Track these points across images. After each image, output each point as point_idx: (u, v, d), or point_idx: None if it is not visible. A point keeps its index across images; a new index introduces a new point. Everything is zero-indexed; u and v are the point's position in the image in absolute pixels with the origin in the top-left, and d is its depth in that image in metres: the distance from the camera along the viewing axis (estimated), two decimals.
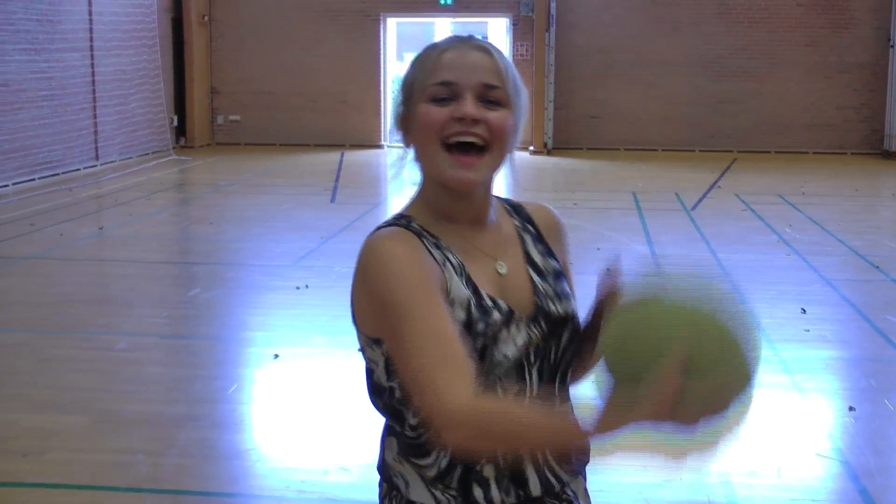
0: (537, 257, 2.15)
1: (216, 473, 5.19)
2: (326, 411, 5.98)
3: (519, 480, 2.07)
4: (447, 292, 2.01)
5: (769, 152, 21.32)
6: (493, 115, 2.00)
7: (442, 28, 29.47)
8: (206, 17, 22.01)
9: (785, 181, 16.89)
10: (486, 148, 2.01)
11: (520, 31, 21.40)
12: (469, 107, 1.99)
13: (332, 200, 14.68)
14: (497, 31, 22.70)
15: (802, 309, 8.28)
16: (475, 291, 2.05)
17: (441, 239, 2.08)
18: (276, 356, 6.94)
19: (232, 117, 22.52)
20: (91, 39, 17.79)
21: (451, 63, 2.03)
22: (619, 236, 11.43)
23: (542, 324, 2.07)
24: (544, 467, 2.11)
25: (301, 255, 10.44)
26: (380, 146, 22.17)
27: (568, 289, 2.16)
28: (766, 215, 13.15)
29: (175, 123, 21.43)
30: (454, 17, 22.40)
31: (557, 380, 2.13)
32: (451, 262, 2.05)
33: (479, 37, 2.12)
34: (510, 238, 2.16)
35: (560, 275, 2.17)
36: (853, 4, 20.99)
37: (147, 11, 19.68)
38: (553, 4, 20.93)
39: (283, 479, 5.06)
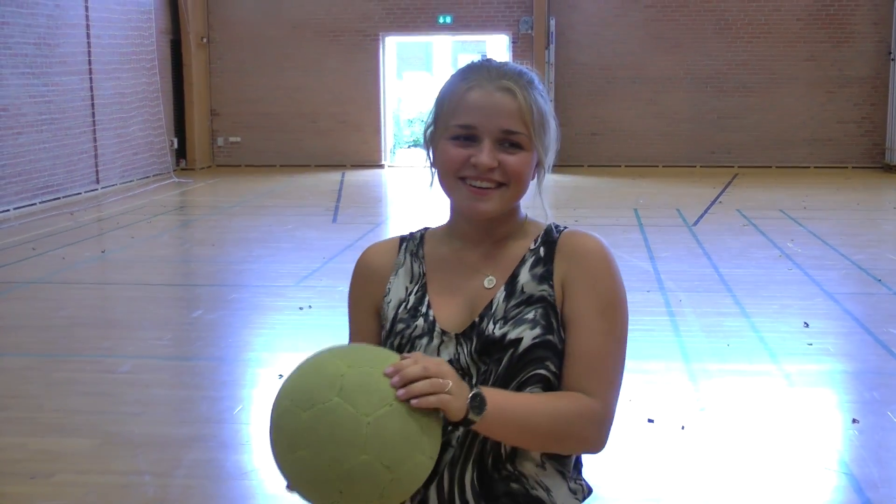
0: (524, 277, 2.12)
1: (222, 493, 5.20)
2: None
3: None
4: (385, 294, 2.22)
5: (770, 167, 21.36)
6: (511, 160, 2.07)
7: (441, 47, 29.60)
8: (205, 39, 22.08)
9: (786, 196, 16.92)
10: (502, 184, 2.08)
11: (519, 49, 21.45)
12: (485, 156, 2.05)
13: (334, 221, 14.71)
14: (497, 49, 22.76)
15: (805, 323, 8.29)
16: (420, 297, 2.18)
17: (427, 248, 2.25)
18: (281, 376, 6.95)
19: (232, 139, 22.57)
20: (90, 62, 17.85)
21: (475, 105, 2.07)
22: (621, 252, 11.45)
23: (475, 342, 2.08)
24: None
25: (304, 275, 10.46)
26: (380, 166, 22.21)
27: (536, 317, 2.07)
28: (767, 230, 13.17)
29: (175, 146, 21.48)
30: (453, 35, 22.47)
31: None
32: (412, 269, 2.23)
33: (512, 66, 2.14)
34: (514, 258, 2.17)
35: (537, 301, 2.09)
36: (853, 18, 21.04)
37: (145, 34, 19.75)
38: (552, 21, 21.00)
39: (290, 500, 5.06)
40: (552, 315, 2.08)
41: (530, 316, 2.07)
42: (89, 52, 17.81)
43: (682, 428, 5.97)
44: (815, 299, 9.24)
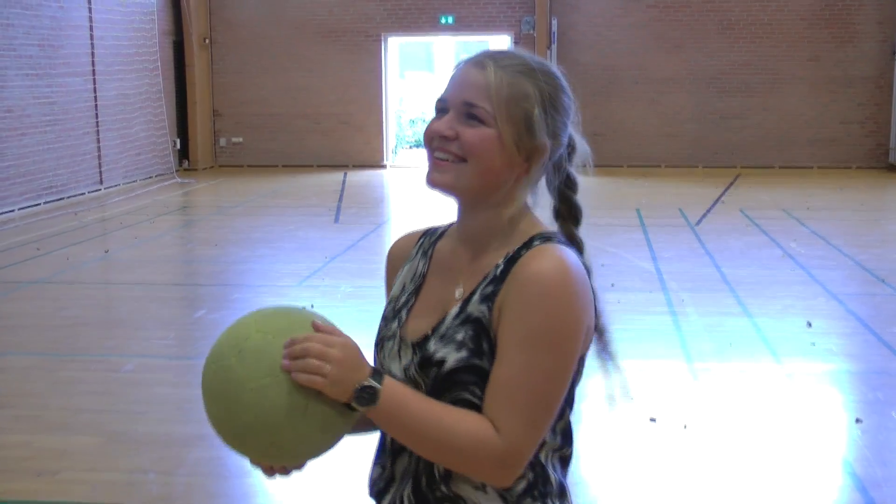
0: (476, 296, 2.03)
1: (226, 491, 5.22)
2: None
3: None
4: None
5: (773, 167, 21.35)
6: (468, 133, 1.99)
7: (443, 46, 29.59)
8: (207, 40, 22.10)
9: (789, 196, 16.92)
10: (462, 160, 2.01)
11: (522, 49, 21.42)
12: (440, 122, 2.02)
13: (336, 221, 14.72)
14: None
15: (808, 322, 8.30)
16: (409, 298, 2.17)
17: (439, 246, 2.21)
18: None
19: (235, 139, 22.59)
20: (93, 64, 17.87)
21: (450, 80, 2.07)
22: (623, 252, 11.46)
23: (418, 356, 2.04)
24: None
25: (306, 275, 10.47)
26: (382, 166, 22.22)
27: (465, 339, 1.99)
28: (770, 230, 13.17)
29: (178, 146, 21.50)
30: (455, 35, 22.49)
31: None
32: (417, 267, 2.21)
33: (529, 54, 2.10)
34: (485, 268, 2.07)
35: (472, 322, 2.01)
36: (857, 18, 21.01)
37: (148, 35, 19.77)
38: (555, 22, 21.02)
39: (293, 497, 5.09)
40: (483, 338, 1.97)
41: (459, 337, 1.99)
42: (93, 53, 17.83)
43: (685, 427, 5.98)
44: (818, 299, 9.25)
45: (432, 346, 2.02)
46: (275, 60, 22.15)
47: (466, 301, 2.03)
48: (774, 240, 12.41)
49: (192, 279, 11.14)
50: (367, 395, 1.85)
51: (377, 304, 8.85)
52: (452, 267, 2.13)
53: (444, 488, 2.02)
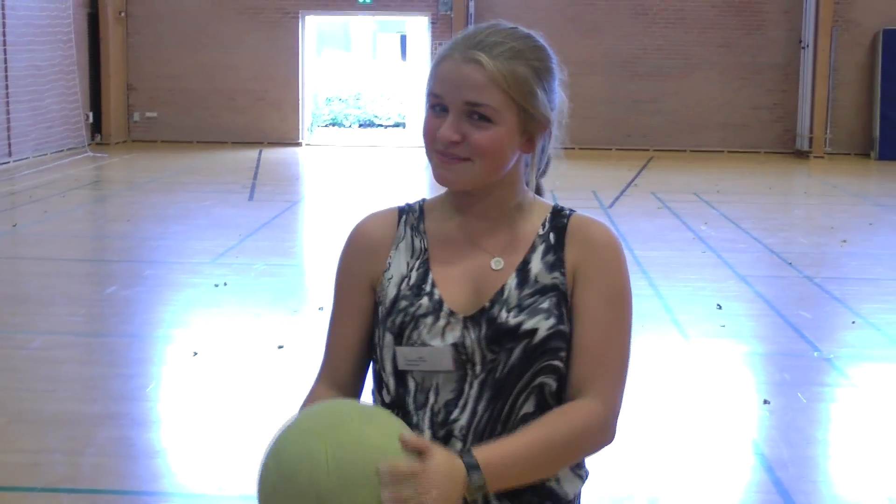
0: (536, 266, 2.08)
1: (135, 472, 5.14)
2: (247, 409, 5.95)
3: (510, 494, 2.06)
4: (385, 269, 2.14)
5: (685, 151, 21.63)
6: (476, 135, 2.01)
7: (361, 25, 29.43)
8: (123, 14, 21.71)
9: (700, 179, 17.16)
10: (466, 158, 2.03)
11: (439, 30, 21.44)
12: (445, 128, 2.01)
13: (251, 198, 14.59)
14: (416, 30, 22.73)
15: (718, 305, 8.42)
16: (423, 274, 2.11)
17: (429, 222, 2.18)
18: (196, 353, 6.89)
19: (149, 114, 22.25)
20: (4, 34, 17.46)
21: (444, 75, 2.04)
22: None
23: (484, 328, 2.03)
24: None
25: (220, 252, 10.36)
26: (298, 144, 22.07)
27: (550, 307, 2.05)
28: (681, 213, 13.34)
29: (91, 120, 21.12)
30: (373, 14, 22.38)
31: (506, 407, 2.05)
32: (413, 243, 2.15)
33: (504, 27, 2.12)
34: (523, 241, 2.12)
35: (550, 290, 2.06)
36: (765, 7, 21.41)
37: (62, 6, 19.37)
38: (472, 3, 21.01)
39: (203, 477, 5.03)
40: (563, 304, 2.06)
41: (545, 305, 2.05)
42: (4, 23, 17.43)
43: None
44: (728, 282, 9.39)
45: (508, 317, 2.03)
46: (192, 36, 21.87)
47: (523, 272, 2.09)
48: (685, 222, 12.57)
49: (103, 255, 10.97)
50: (477, 481, 1.87)
51: (291, 282, 8.76)
52: (469, 238, 2.13)
53: None
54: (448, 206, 2.17)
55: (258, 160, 19.48)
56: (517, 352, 2.02)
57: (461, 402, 2.04)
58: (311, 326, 7.48)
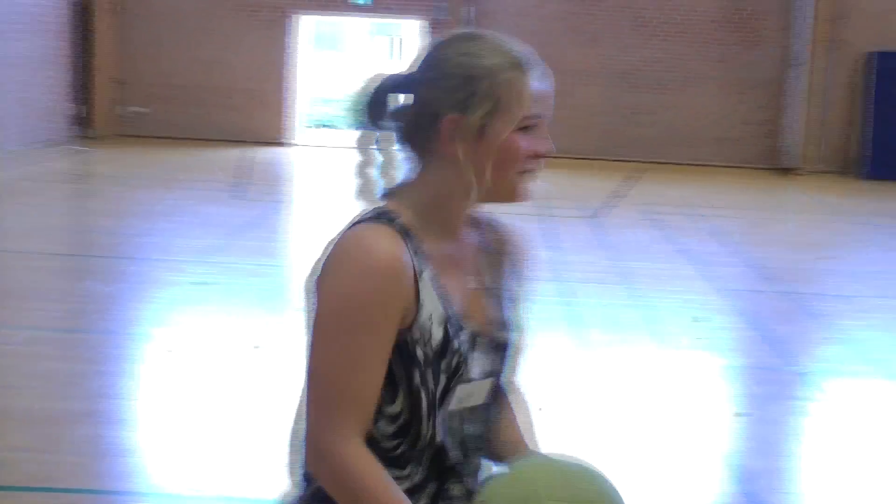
0: (499, 279, 2.17)
1: (110, 470, 5.14)
2: (223, 408, 5.96)
3: None
4: (418, 307, 1.98)
5: (677, 164, 21.66)
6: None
7: (355, 27, 29.40)
8: (120, 7, 21.63)
9: (690, 193, 17.20)
10: None
11: (436, 36, 21.41)
12: (550, 143, 2.09)
13: (241, 197, 14.59)
14: (412, 34, 22.74)
15: (694, 317, 8.46)
16: (447, 305, 2.03)
17: (425, 246, 2.04)
18: (170, 351, 6.89)
19: (140, 109, 22.19)
20: None
21: (542, 95, 2.08)
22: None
23: (496, 350, 2.10)
24: None
25: (207, 250, 10.35)
26: (290, 144, 22.07)
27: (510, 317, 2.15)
28: (669, 225, 13.38)
29: (81, 114, 21.03)
30: (370, 17, 22.40)
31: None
32: (425, 273, 2.01)
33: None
34: (475, 253, 2.16)
35: (512, 301, 2.17)
36: (763, 24, 21.47)
37: None
38: (472, 10, 21.05)
39: (179, 476, 5.04)
40: None
41: (510, 319, 2.23)
42: None
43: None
44: (709, 295, 9.43)
45: (500, 336, 2.17)
46: (188, 33, 21.80)
47: (492, 283, 2.18)
48: (671, 235, 12.61)
49: (88, 250, 10.96)
50: None
51: (274, 283, 8.71)
52: (455, 260, 2.13)
53: None
54: (430, 224, 2.07)
55: (250, 160, 19.46)
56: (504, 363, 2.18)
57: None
58: (290, 327, 7.49)
